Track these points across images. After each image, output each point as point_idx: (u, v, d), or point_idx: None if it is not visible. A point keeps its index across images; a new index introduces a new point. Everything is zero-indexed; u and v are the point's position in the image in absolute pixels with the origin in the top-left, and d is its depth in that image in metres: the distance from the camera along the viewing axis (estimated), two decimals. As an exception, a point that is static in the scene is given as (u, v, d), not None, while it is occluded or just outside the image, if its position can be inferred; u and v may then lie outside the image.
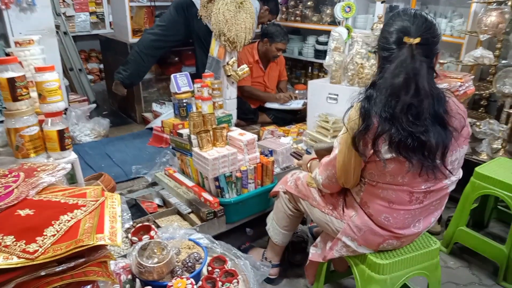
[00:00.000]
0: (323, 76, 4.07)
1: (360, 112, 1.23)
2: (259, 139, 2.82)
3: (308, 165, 1.72)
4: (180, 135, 2.11)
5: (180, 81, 2.33)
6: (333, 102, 2.57)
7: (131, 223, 1.76)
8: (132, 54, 3.21)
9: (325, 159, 1.45)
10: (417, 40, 1.19)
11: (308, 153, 1.93)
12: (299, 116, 3.42)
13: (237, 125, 2.78)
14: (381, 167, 1.25)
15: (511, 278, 1.94)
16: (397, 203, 1.31)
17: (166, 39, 3.19)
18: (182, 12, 3.11)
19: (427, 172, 1.23)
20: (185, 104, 2.30)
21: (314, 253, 1.58)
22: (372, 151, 1.23)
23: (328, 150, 1.59)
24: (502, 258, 1.92)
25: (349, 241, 1.42)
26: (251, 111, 3.37)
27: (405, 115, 1.18)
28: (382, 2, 2.49)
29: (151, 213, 1.99)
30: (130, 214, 1.81)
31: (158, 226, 1.81)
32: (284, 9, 4.55)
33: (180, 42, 3.33)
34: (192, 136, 1.96)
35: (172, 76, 2.34)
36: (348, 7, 2.88)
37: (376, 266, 1.38)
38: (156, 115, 3.48)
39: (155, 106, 3.58)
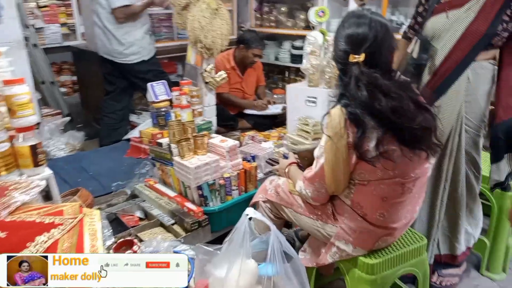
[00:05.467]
0: (300, 80, 4.08)
1: (349, 120, 1.22)
2: (240, 145, 2.79)
3: (286, 170, 1.68)
4: (160, 144, 2.06)
5: (157, 90, 2.28)
6: (312, 105, 2.58)
7: (113, 239, 1.69)
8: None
9: (309, 173, 1.42)
10: (362, 57, 1.22)
11: (285, 157, 1.90)
12: (278, 121, 3.42)
13: (217, 132, 2.75)
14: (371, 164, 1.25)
15: (493, 268, 1.99)
16: (391, 197, 1.32)
17: (115, 96, 3.24)
18: (106, 66, 3.16)
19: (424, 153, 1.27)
20: (163, 113, 2.25)
21: (304, 258, 1.56)
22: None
23: (312, 151, 1.57)
24: (484, 249, 1.97)
25: (344, 244, 1.40)
26: (230, 118, 3.35)
27: (394, 116, 1.19)
28: (361, 5, 2.51)
29: (132, 226, 1.92)
30: (111, 230, 1.74)
31: (140, 240, 1.75)
32: (258, 15, 4.57)
33: (129, 90, 3.35)
34: (173, 145, 1.92)
35: (148, 85, 2.29)
36: (322, 11, 2.91)
37: (366, 266, 1.38)
38: (133, 126, 3.40)
39: (132, 116, 3.50)
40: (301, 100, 2.61)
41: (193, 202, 1.94)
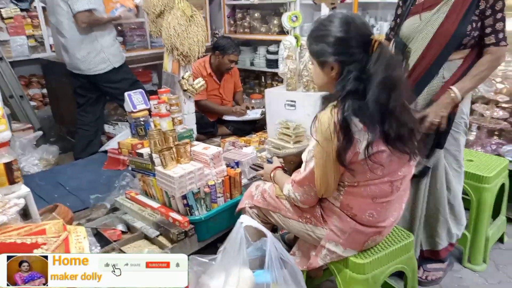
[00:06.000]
0: (277, 85, 4.12)
1: (339, 127, 1.20)
2: (221, 152, 2.77)
3: (272, 175, 1.66)
4: (141, 155, 2.01)
5: (135, 99, 2.23)
6: (291, 109, 2.60)
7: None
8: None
9: (298, 177, 1.41)
10: (382, 36, 1.21)
11: (269, 162, 1.88)
12: (257, 126, 3.42)
13: (196, 139, 2.71)
14: (361, 166, 1.26)
15: (474, 259, 2.04)
16: (380, 196, 1.33)
17: (87, 107, 3.15)
18: (77, 80, 3.07)
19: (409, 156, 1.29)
20: (142, 122, 2.20)
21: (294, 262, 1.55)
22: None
23: (297, 155, 1.57)
24: (465, 242, 2.02)
25: (334, 246, 1.40)
26: (209, 124, 3.32)
27: (392, 113, 1.21)
28: (332, 8, 2.55)
29: (115, 241, 1.86)
30: (99, 247, 1.67)
31: (126, 255, 1.70)
32: (232, 22, 4.58)
33: (102, 99, 3.26)
34: (154, 155, 1.87)
35: (126, 94, 2.23)
36: (295, 16, 2.94)
37: (357, 267, 1.38)
38: (109, 137, 3.32)
39: (107, 128, 3.41)
40: (280, 104, 2.62)
41: (178, 212, 1.90)
